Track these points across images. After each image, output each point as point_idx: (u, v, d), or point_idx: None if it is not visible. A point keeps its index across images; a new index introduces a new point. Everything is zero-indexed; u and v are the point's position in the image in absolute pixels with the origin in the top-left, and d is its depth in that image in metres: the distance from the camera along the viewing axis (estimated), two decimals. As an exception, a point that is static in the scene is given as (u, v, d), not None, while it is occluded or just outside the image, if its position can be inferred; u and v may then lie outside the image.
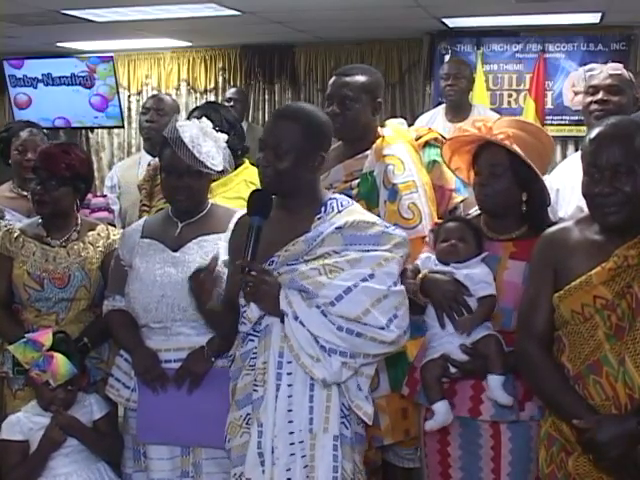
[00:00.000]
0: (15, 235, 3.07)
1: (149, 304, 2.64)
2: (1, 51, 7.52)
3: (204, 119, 2.75)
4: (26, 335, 2.78)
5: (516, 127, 2.49)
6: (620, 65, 3.39)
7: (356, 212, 2.35)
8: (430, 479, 2.57)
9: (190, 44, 7.74)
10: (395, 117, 4.06)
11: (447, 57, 6.75)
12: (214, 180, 2.87)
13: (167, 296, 2.62)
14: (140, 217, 3.15)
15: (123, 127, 7.89)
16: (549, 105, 6.80)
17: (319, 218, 2.32)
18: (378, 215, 2.64)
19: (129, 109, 8.18)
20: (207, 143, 2.66)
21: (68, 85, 7.48)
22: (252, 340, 2.33)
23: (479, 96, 6.41)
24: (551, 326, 2.22)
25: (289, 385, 2.25)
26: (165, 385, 2.62)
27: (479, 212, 2.59)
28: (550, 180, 3.04)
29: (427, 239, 2.69)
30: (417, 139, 3.08)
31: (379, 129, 3.04)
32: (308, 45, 7.53)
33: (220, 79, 7.95)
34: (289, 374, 2.25)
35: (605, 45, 6.68)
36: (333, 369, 2.21)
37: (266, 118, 7.59)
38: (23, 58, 7.57)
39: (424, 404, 2.51)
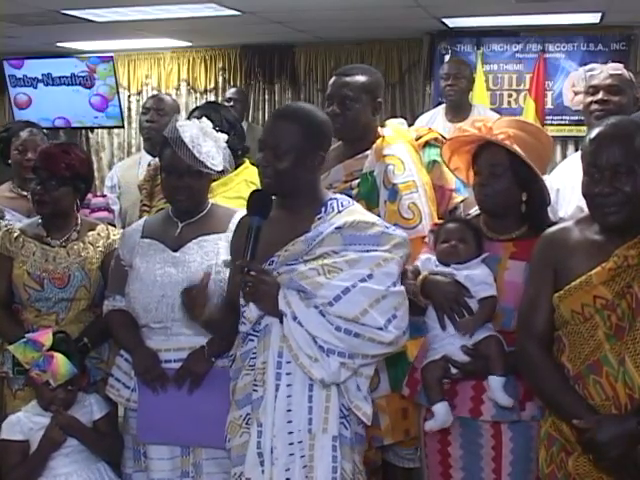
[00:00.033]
0: (15, 235, 3.07)
1: (149, 304, 2.64)
2: (1, 51, 7.52)
3: (204, 119, 2.75)
4: (26, 335, 2.78)
5: (516, 127, 2.49)
6: (620, 65, 3.39)
7: (356, 212, 2.35)
8: (430, 479, 2.57)
9: (190, 44, 7.74)
10: (395, 117, 4.06)
11: (447, 57, 6.74)
12: (214, 180, 2.87)
13: (167, 296, 2.62)
14: (140, 217, 3.14)
15: (123, 127, 7.88)
16: (549, 105, 6.79)
17: (319, 218, 2.31)
18: (378, 215, 2.64)
19: (129, 109, 8.18)
20: (207, 143, 2.66)
21: (68, 85, 7.46)
22: (252, 340, 2.33)
23: (479, 96, 6.40)
24: (551, 326, 2.22)
25: (288, 385, 2.25)
26: (165, 385, 2.62)
27: (479, 212, 2.59)
28: (550, 180, 3.03)
29: (427, 240, 2.69)
30: (417, 139, 3.07)
31: (379, 129, 3.04)
32: (308, 45, 7.52)
33: (220, 79, 7.94)
34: (288, 374, 2.25)
35: (605, 45, 6.68)
36: (331, 369, 2.20)
37: (266, 118, 7.57)
38: (23, 58, 7.55)
39: (424, 404, 2.51)
